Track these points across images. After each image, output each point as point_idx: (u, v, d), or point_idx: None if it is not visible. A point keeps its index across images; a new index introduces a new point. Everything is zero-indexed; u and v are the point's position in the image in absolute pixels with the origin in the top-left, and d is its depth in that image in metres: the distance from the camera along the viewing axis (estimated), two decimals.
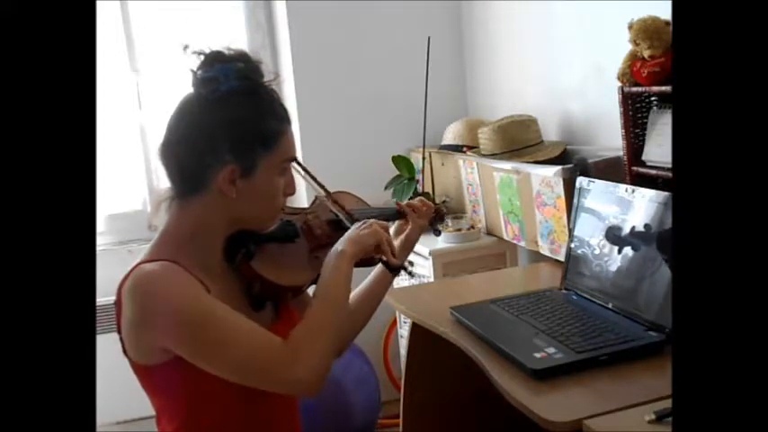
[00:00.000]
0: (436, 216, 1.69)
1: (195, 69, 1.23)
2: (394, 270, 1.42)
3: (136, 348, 1.21)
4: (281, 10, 2.96)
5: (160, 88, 2.86)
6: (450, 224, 2.62)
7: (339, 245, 1.33)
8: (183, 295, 1.16)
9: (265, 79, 1.25)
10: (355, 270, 1.38)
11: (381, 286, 1.52)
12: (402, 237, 1.62)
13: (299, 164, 1.39)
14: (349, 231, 1.36)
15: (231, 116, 1.21)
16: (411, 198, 2.79)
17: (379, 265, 1.48)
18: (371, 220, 1.40)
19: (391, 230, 1.65)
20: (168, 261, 1.19)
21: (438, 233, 1.81)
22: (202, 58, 1.23)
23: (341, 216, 1.45)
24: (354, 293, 1.50)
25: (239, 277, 1.29)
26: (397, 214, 1.66)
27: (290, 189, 1.30)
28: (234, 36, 2.95)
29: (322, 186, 1.47)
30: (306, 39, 2.95)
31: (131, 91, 2.89)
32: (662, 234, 1.57)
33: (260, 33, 3.03)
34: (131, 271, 1.19)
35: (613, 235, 1.72)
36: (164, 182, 1.28)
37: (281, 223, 1.38)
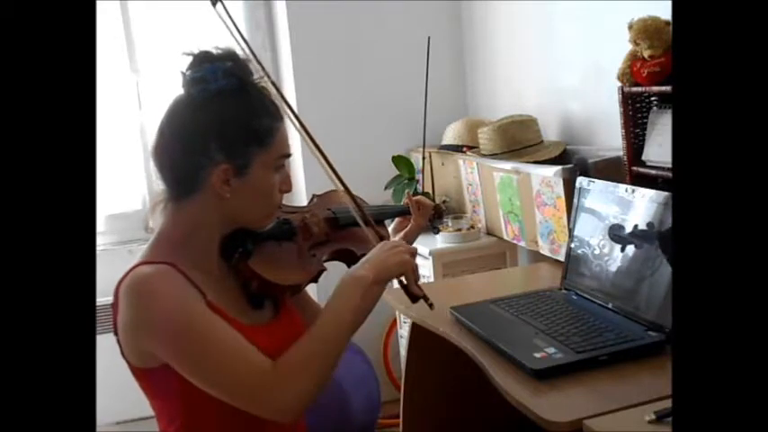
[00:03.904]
0: (435, 214, 1.68)
1: (184, 70, 1.23)
2: (414, 300, 1.32)
3: (131, 351, 1.21)
4: (281, 10, 2.96)
5: (160, 88, 2.86)
6: (450, 224, 2.62)
7: (360, 267, 1.25)
8: (175, 306, 1.15)
9: (254, 77, 1.25)
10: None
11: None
12: (401, 234, 1.61)
13: (325, 158, 1.37)
14: (373, 252, 1.28)
15: (221, 115, 1.20)
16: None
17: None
18: (398, 241, 1.33)
19: (390, 228, 1.64)
20: (166, 264, 1.18)
21: (437, 231, 1.80)
22: (191, 58, 1.23)
23: (356, 216, 1.40)
24: None
25: (237, 276, 1.29)
26: (398, 212, 1.66)
27: (286, 186, 1.29)
28: (233, 36, 2.95)
29: (342, 182, 1.40)
30: (306, 39, 2.95)
31: (131, 91, 2.89)
32: (664, 233, 1.57)
33: (260, 33, 3.03)
34: (128, 272, 1.19)
35: (615, 234, 1.72)
36: (160, 183, 1.28)
37: (277, 222, 1.37)
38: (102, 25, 2.77)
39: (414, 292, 1.31)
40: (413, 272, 1.30)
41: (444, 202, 2.80)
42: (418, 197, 1.66)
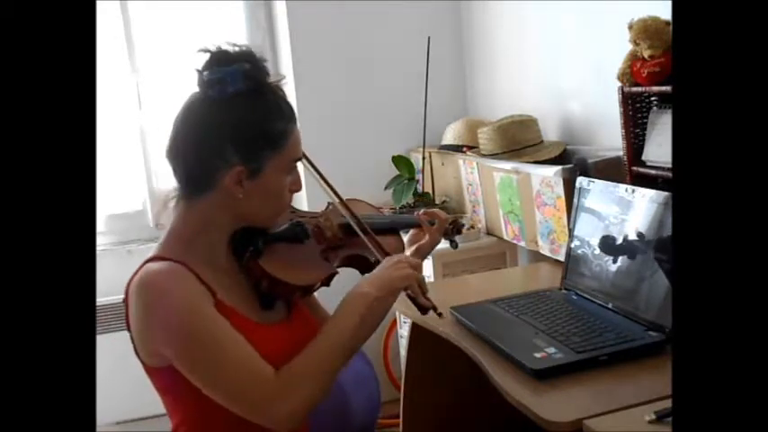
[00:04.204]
0: (454, 228, 1.61)
1: (201, 69, 1.21)
2: (423, 311, 1.33)
3: (142, 349, 1.21)
4: (281, 10, 2.96)
5: (160, 89, 2.86)
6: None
7: (365, 284, 1.27)
8: (182, 308, 1.15)
9: (271, 78, 1.25)
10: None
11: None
12: (413, 248, 1.56)
13: (318, 173, 1.37)
14: (379, 268, 1.30)
15: (238, 118, 1.20)
16: (414, 200, 2.80)
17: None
18: (402, 255, 1.34)
19: (405, 239, 1.59)
20: (176, 262, 1.19)
21: (455, 246, 1.67)
22: (208, 57, 1.21)
23: (354, 226, 1.40)
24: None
25: (248, 275, 1.29)
26: (414, 224, 1.60)
27: (296, 186, 1.30)
28: (234, 36, 2.95)
29: (337, 194, 1.42)
30: (306, 39, 2.95)
31: (131, 91, 2.88)
32: (659, 241, 1.57)
33: (260, 33, 3.03)
34: (140, 268, 1.19)
35: (607, 245, 1.72)
36: (164, 182, 1.29)
37: (291, 224, 1.37)
38: (102, 25, 2.77)
39: (422, 304, 1.32)
40: (419, 284, 1.31)
41: (444, 202, 2.81)
42: (434, 210, 1.58)
